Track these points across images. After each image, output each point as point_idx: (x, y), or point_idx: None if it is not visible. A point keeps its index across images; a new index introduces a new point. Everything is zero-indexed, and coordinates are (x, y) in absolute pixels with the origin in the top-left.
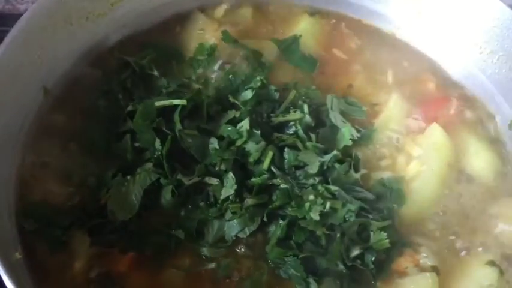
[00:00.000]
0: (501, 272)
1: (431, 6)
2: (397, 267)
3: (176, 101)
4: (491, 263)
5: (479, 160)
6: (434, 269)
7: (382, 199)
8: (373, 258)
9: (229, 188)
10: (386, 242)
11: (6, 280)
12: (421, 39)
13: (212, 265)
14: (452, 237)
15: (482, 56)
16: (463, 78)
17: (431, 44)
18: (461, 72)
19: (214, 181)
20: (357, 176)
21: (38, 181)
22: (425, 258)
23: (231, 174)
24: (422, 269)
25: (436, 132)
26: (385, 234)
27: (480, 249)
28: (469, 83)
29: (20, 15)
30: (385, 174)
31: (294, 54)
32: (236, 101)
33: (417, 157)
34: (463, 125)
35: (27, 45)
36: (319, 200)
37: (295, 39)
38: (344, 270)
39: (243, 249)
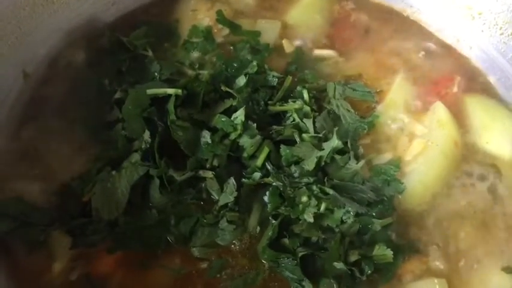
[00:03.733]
0: None
1: None
2: (403, 271)
3: (170, 90)
4: (508, 269)
5: (491, 131)
6: (443, 274)
7: (382, 189)
8: (369, 272)
9: (229, 195)
10: (390, 257)
11: None
12: (435, 18)
13: (204, 265)
14: (463, 236)
15: (502, 37)
16: (480, 60)
17: (446, 23)
18: (479, 55)
19: (208, 174)
20: (357, 167)
21: (15, 175)
22: (434, 262)
23: (232, 180)
24: (430, 274)
25: (439, 110)
26: (391, 251)
27: (494, 249)
28: (487, 66)
29: None
30: (385, 158)
31: None
32: (229, 90)
33: (421, 136)
34: (469, 101)
35: (3, 25)
36: (313, 202)
37: None
38: (343, 271)
39: (237, 247)
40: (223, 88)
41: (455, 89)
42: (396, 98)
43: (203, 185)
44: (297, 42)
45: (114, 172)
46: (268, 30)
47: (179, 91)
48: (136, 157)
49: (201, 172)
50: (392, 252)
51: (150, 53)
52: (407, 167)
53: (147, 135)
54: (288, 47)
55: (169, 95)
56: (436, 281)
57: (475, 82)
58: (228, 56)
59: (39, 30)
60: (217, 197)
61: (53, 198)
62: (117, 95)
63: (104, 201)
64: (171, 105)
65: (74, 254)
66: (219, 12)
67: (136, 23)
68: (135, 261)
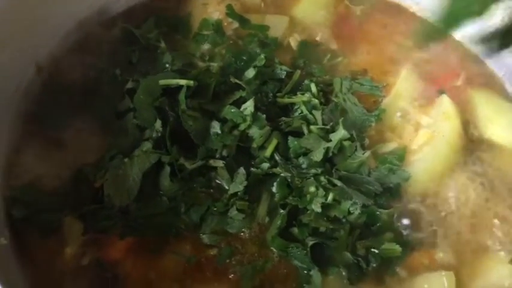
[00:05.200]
0: None
1: None
2: (410, 263)
3: (182, 81)
4: None
5: (497, 124)
6: (451, 266)
7: (387, 177)
8: (374, 265)
9: (238, 184)
10: (398, 251)
11: None
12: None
13: (213, 251)
14: (470, 227)
15: None
16: (486, 56)
17: None
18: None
19: (219, 163)
20: (364, 157)
21: (28, 163)
22: (442, 253)
23: (242, 170)
24: (437, 266)
25: (445, 103)
26: (399, 247)
27: (502, 241)
28: (493, 61)
29: None
30: (391, 147)
31: None
32: (238, 81)
33: (426, 126)
34: (475, 94)
35: (16, 15)
36: (321, 192)
37: None
38: (351, 261)
39: (247, 235)
40: (232, 80)
41: (460, 83)
42: (402, 91)
43: (213, 174)
44: (303, 37)
45: (126, 160)
46: (276, 25)
47: (191, 82)
48: (147, 145)
49: (211, 161)
50: (400, 248)
51: (162, 44)
52: (413, 156)
53: (158, 124)
54: (294, 41)
55: (181, 86)
56: (443, 273)
57: (481, 77)
58: (237, 49)
59: (50, 19)
60: (226, 186)
61: (66, 185)
62: (129, 85)
63: (116, 188)
64: (182, 96)
65: (85, 240)
66: (229, 7)
67: (147, 15)
68: (146, 247)
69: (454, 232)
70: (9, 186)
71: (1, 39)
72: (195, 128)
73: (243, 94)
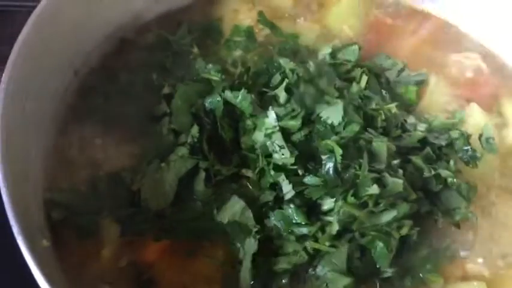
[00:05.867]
0: None
1: None
2: (442, 273)
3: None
4: None
5: None
6: (484, 278)
7: None
8: (409, 284)
9: (268, 195)
10: (439, 282)
11: (34, 268)
12: (474, 26)
13: None
14: (504, 239)
15: None
16: None
17: (485, 31)
18: None
19: (250, 173)
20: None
21: (66, 167)
22: (474, 265)
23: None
24: (470, 277)
25: (475, 113)
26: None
27: None
28: None
29: None
30: None
31: None
32: (265, 89)
33: None
34: (505, 102)
35: (56, 20)
36: None
37: None
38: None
39: None
40: (263, 89)
41: (490, 91)
42: (431, 100)
43: (244, 181)
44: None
45: (163, 164)
46: (307, 33)
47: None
48: (183, 150)
49: (244, 171)
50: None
51: (195, 50)
52: None
53: (195, 130)
54: (323, 50)
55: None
56: (475, 283)
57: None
58: (268, 56)
59: (88, 25)
60: (256, 195)
61: (103, 188)
62: (165, 90)
63: (153, 193)
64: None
65: (121, 242)
66: (261, 14)
67: (180, 20)
68: (181, 250)
69: (488, 243)
70: (50, 189)
71: (42, 43)
72: (230, 134)
73: None
